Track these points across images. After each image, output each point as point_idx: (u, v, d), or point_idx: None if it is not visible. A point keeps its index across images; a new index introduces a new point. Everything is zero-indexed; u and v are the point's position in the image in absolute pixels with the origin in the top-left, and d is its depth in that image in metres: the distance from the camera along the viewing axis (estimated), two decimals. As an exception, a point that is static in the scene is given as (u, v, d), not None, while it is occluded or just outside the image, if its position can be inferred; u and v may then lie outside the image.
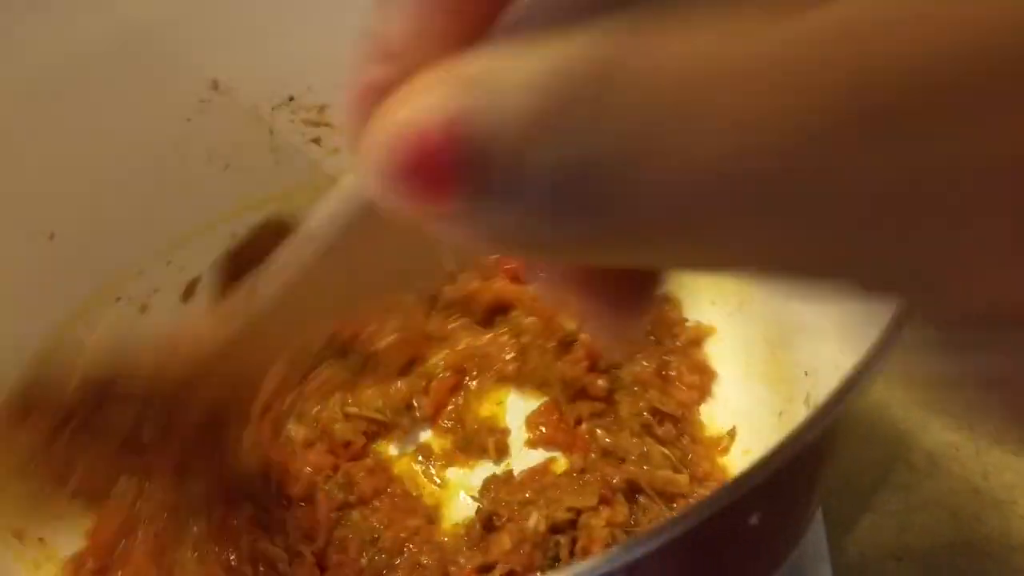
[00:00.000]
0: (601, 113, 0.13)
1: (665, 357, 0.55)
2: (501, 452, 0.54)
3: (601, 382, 0.53)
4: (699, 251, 0.14)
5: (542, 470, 0.51)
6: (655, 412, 0.51)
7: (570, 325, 0.55)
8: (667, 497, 0.48)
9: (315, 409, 0.55)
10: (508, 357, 0.56)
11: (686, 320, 0.57)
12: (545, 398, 0.55)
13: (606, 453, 0.51)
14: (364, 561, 0.47)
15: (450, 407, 0.56)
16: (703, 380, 0.54)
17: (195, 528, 0.36)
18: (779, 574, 0.36)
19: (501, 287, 0.58)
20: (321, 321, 0.30)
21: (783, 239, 0.13)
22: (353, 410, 0.55)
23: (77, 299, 0.58)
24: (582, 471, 0.50)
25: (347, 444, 0.54)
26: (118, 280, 0.60)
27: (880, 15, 0.11)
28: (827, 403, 0.26)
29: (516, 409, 0.56)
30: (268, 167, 0.65)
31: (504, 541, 0.46)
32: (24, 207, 0.53)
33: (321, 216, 0.24)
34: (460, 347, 0.57)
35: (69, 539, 0.50)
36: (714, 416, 0.54)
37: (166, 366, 0.30)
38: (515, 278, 0.58)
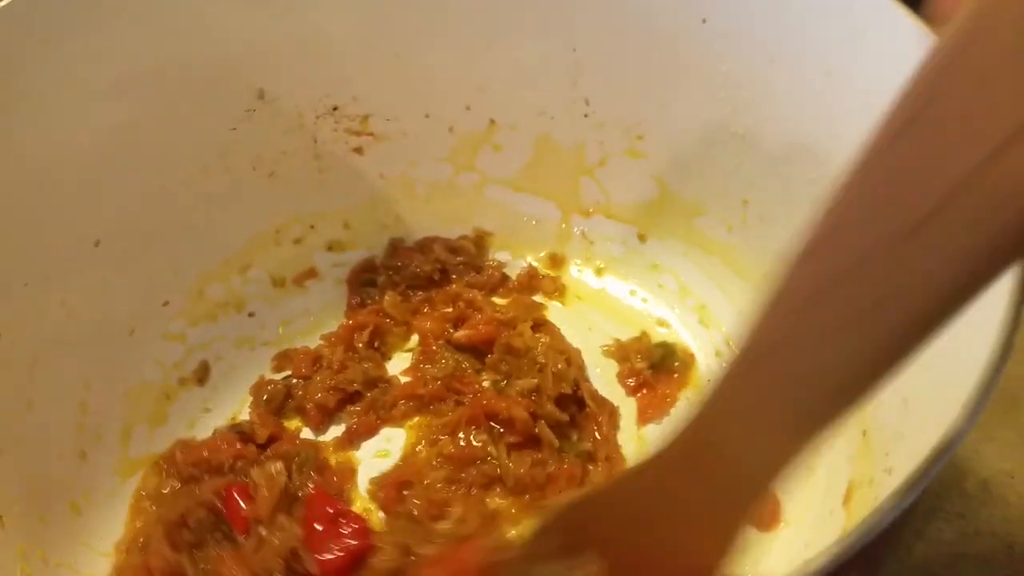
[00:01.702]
0: None
1: None
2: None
3: None
4: None
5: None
6: None
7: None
8: None
9: None
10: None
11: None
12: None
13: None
14: None
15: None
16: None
17: None
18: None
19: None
20: None
21: None
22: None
23: (123, 306, 0.58)
24: None
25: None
26: (164, 287, 0.61)
27: None
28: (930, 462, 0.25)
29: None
30: (312, 176, 0.65)
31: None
32: (70, 214, 0.54)
33: None
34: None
35: None
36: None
37: None
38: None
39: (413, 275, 0.67)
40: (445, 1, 0.58)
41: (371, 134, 0.65)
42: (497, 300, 0.67)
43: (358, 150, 0.65)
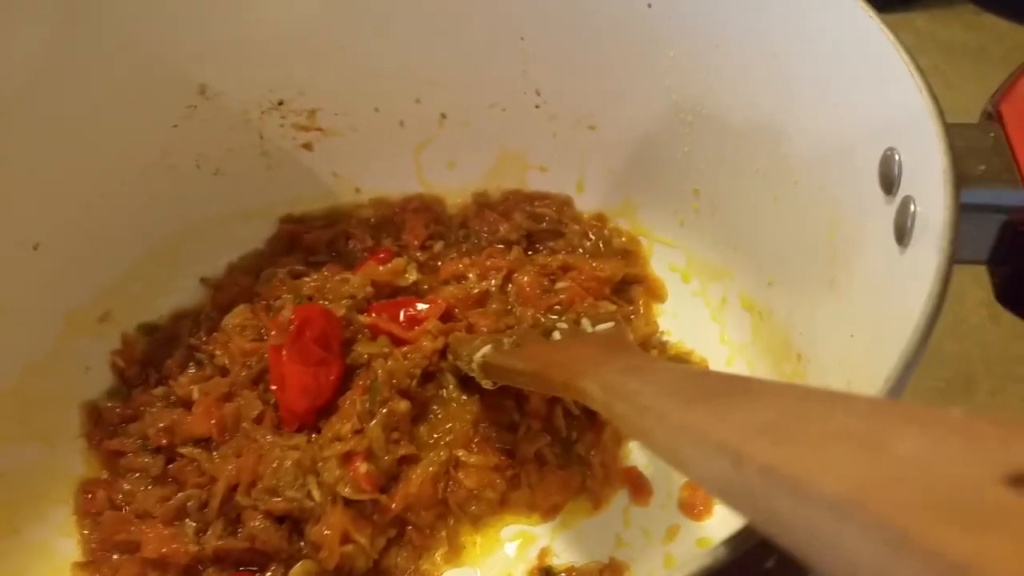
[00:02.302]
0: None
1: None
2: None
3: None
4: None
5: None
6: None
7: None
8: None
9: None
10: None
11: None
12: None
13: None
14: None
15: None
16: None
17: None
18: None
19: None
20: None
21: None
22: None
23: (63, 311, 0.56)
24: None
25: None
26: (106, 291, 0.59)
27: None
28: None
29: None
30: (259, 172, 0.64)
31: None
32: (7, 217, 0.52)
33: None
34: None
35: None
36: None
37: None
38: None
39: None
40: (389, -8, 0.57)
41: (319, 129, 0.63)
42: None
43: (307, 146, 0.64)
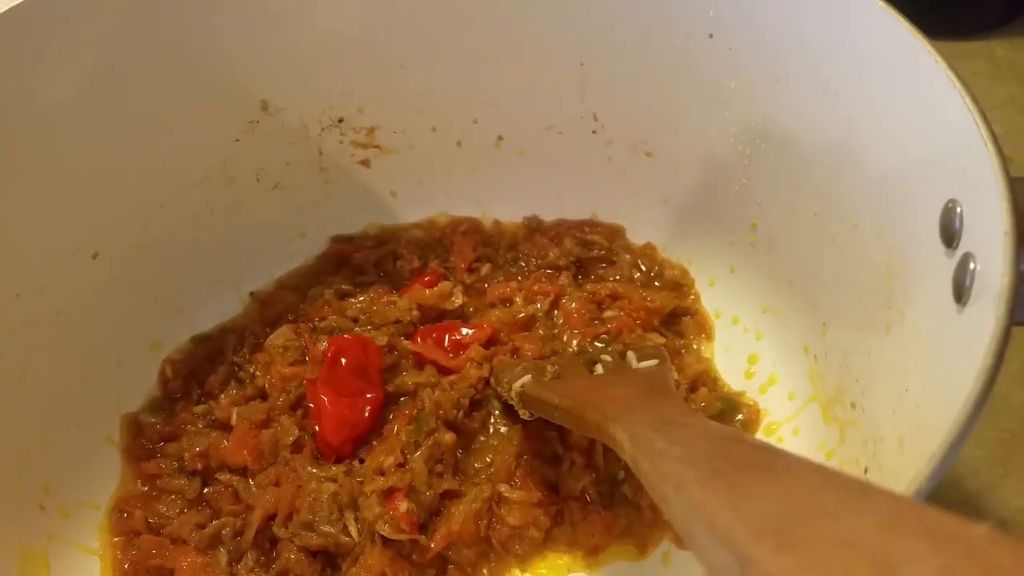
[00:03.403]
0: None
1: None
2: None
3: None
4: None
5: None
6: None
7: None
8: None
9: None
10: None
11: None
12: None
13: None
14: None
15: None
16: None
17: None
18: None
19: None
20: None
21: None
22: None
23: (116, 319, 0.57)
24: None
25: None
26: (160, 301, 0.60)
27: None
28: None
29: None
30: (317, 187, 0.65)
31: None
32: (67, 225, 0.53)
33: None
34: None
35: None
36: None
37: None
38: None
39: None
40: (450, 13, 0.57)
41: (377, 146, 0.64)
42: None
43: (364, 163, 0.65)
